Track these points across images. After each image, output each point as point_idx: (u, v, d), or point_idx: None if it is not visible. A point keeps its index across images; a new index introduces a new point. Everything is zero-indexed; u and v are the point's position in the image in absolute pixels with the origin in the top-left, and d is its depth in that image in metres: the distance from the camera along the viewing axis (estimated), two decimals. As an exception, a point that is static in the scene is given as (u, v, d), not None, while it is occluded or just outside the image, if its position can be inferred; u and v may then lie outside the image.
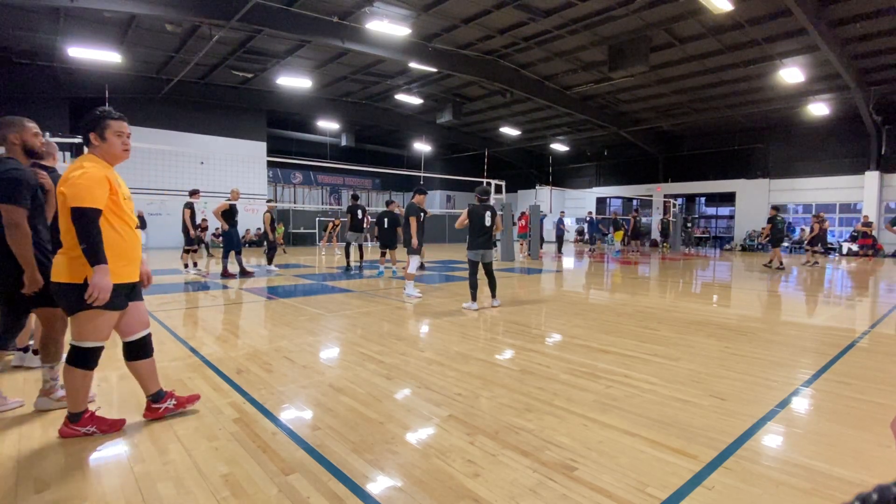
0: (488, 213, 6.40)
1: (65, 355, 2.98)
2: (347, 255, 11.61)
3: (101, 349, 2.54)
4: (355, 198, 11.56)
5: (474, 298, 6.48)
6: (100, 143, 2.48)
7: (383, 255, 10.84)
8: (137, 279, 2.64)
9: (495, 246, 6.99)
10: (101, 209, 2.36)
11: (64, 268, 2.38)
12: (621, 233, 19.09)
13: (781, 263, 12.65)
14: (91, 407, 2.63)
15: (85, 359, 2.49)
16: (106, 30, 13.72)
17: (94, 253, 2.32)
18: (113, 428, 2.60)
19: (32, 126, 2.97)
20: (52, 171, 3.29)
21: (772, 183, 22.49)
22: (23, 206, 2.69)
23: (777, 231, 12.72)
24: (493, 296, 6.73)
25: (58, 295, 2.45)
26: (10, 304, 2.87)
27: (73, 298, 2.38)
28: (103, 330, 2.50)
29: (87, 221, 2.31)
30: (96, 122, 2.47)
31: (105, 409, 2.94)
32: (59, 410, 2.91)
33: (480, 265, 6.52)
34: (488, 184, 15.24)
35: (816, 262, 13.83)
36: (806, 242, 14.33)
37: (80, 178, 2.31)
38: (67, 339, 3.06)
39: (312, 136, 26.58)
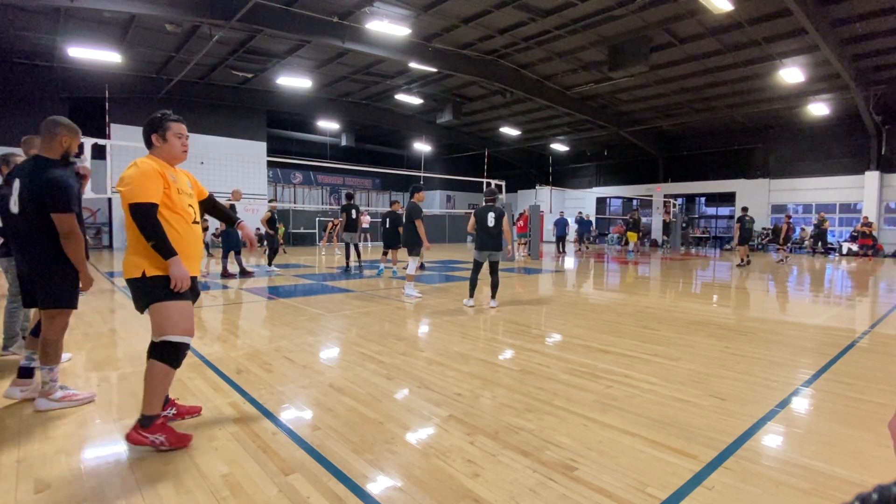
0: (491, 214, 6.49)
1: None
2: (347, 256, 11.59)
3: (186, 346, 2.47)
4: (349, 197, 11.51)
5: (471, 295, 6.70)
6: (161, 144, 2.54)
7: (385, 253, 10.84)
8: (196, 274, 2.63)
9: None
10: (156, 203, 2.40)
11: (128, 266, 2.43)
12: (635, 234, 18.93)
13: (747, 259, 13.90)
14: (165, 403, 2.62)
15: (169, 353, 2.41)
16: (106, 30, 13.72)
17: (162, 247, 2.38)
18: (180, 442, 2.44)
19: (79, 132, 3.08)
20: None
21: (772, 183, 22.48)
22: (73, 212, 2.78)
23: (745, 231, 13.77)
24: (493, 296, 6.78)
25: (131, 291, 2.49)
26: (30, 304, 3.04)
27: (136, 293, 2.45)
28: (180, 322, 2.44)
29: (144, 216, 2.36)
30: (158, 123, 2.53)
31: (104, 410, 2.95)
32: (60, 410, 2.91)
33: (486, 264, 6.69)
34: (496, 185, 15.24)
35: (783, 260, 14.74)
36: (781, 241, 15.14)
37: (132, 175, 2.38)
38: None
39: (312, 136, 26.58)
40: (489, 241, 6.51)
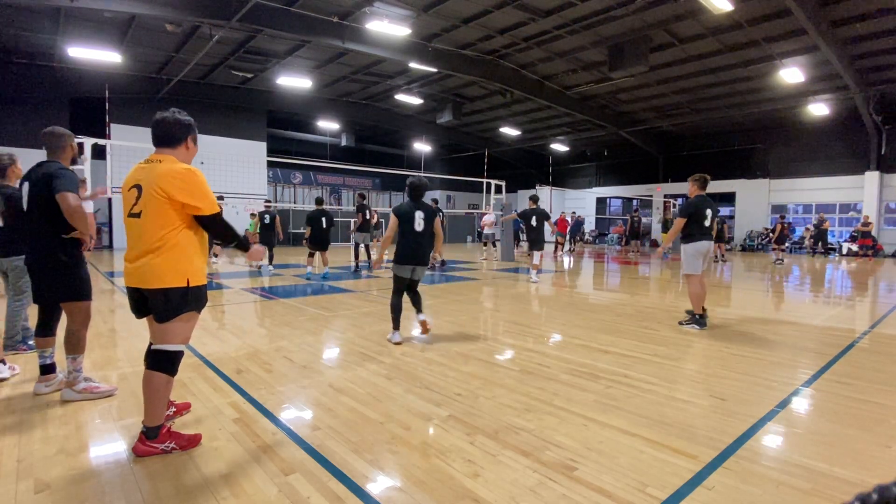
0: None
1: (76, 371, 3.05)
2: (356, 257, 11.54)
3: (182, 354, 2.50)
4: (362, 197, 11.33)
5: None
6: (192, 147, 2.59)
7: (311, 255, 10.03)
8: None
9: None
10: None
11: (165, 273, 2.33)
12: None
13: (723, 256, 15.53)
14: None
15: (172, 363, 2.42)
16: (106, 30, 13.70)
17: (243, 243, 2.61)
18: (191, 443, 2.45)
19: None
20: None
21: (772, 183, 22.47)
22: (76, 193, 2.96)
23: (717, 231, 15.01)
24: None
25: (159, 300, 2.36)
26: (41, 300, 3.14)
27: (177, 301, 2.37)
28: (189, 333, 2.53)
29: (224, 222, 2.49)
30: (194, 128, 2.58)
31: (105, 410, 2.95)
32: (61, 408, 2.91)
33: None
34: (497, 185, 15.23)
35: (781, 261, 14.83)
36: (773, 241, 15.49)
37: (203, 188, 2.41)
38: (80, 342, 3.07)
39: (312, 136, 26.56)
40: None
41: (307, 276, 9.85)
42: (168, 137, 2.47)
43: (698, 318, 5.36)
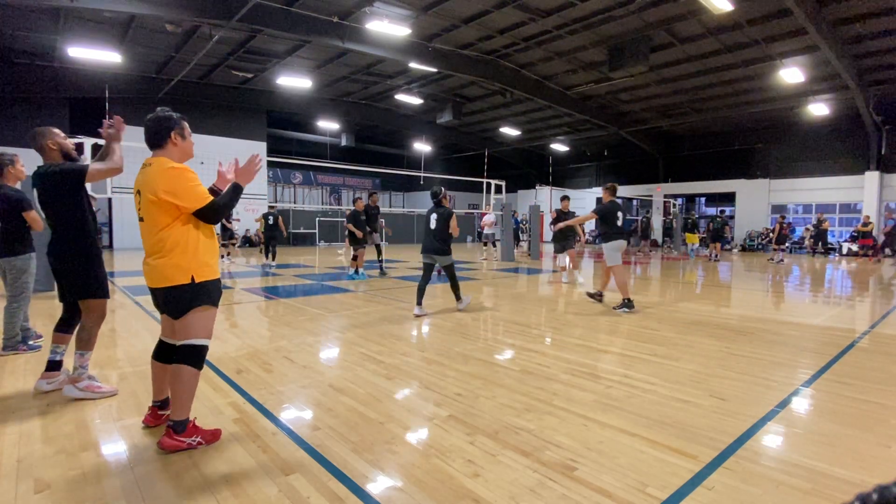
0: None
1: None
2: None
3: (208, 348, 2.53)
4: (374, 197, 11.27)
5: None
6: (181, 142, 2.53)
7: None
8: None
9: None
10: (209, 200, 2.46)
11: (170, 272, 2.38)
12: (696, 236, 18.59)
13: (717, 255, 16.10)
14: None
15: (199, 356, 2.47)
16: (106, 30, 13.71)
17: (237, 189, 2.58)
18: (214, 437, 2.49)
19: (59, 131, 3.26)
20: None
21: (772, 183, 22.47)
22: (87, 167, 3.07)
23: (715, 230, 16.32)
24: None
25: (168, 298, 2.44)
26: (62, 298, 3.18)
27: (186, 297, 2.42)
28: (210, 326, 2.53)
29: (215, 207, 2.44)
30: (176, 122, 2.52)
31: (105, 410, 2.95)
32: (62, 408, 2.91)
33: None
34: (497, 185, 15.26)
35: (782, 260, 15.09)
36: (773, 241, 15.71)
37: (189, 182, 2.39)
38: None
39: (312, 136, 26.57)
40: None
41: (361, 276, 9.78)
42: (154, 138, 2.48)
43: (627, 303, 6.38)
